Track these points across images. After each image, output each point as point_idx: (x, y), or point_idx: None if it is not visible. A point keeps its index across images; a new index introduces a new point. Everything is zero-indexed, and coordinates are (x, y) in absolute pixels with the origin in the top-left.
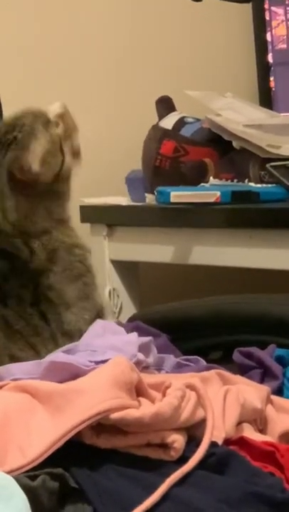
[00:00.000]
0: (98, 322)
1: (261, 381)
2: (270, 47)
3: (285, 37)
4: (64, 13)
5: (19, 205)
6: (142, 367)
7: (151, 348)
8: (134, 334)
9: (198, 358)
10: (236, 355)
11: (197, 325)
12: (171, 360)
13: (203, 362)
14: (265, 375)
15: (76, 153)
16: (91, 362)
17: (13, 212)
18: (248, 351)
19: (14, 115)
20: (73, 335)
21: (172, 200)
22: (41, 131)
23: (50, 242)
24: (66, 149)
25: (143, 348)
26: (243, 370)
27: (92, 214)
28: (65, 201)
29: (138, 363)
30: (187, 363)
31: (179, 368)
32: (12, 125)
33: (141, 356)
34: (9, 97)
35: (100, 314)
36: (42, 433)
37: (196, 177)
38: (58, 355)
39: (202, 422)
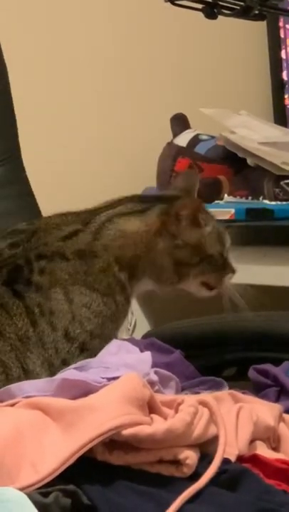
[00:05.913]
0: (114, 341)
1: (277, 399)
2: (284, 64)
3: None
4: (76, 20)
5: None
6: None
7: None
8: (148, 353)
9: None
10: (252, 373)
11: (211, 342)
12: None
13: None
14: (280, 393)
15: None
16: (103, 378)
17: None
18: (263, 369)
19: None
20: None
21: None
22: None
23: None
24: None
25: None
26: (258, 388)
27: None
28: None
29: (150, 383)
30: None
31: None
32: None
33: (154, 377)
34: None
35: None
36: (54, 449)
37: (210, 194)
38: (70, 373)
39: (215, 439)
